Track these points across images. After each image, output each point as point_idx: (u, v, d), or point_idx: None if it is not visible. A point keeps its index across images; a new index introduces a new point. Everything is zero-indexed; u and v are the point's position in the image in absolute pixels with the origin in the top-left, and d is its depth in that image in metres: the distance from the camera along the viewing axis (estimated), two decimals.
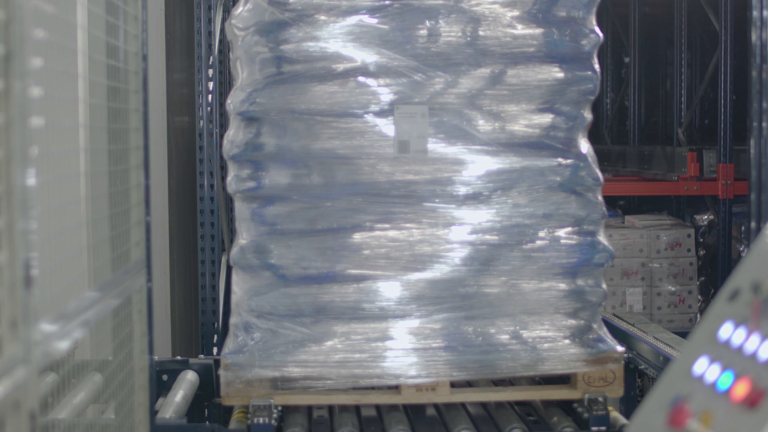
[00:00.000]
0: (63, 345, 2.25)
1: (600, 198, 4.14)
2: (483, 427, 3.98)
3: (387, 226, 3.95)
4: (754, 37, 4.15)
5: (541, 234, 4.01)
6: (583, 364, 4.00)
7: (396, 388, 3.98)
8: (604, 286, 4.13)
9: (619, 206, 11.23)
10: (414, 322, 3.96)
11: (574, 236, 4.05)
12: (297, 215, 3.98)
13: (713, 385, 1.90)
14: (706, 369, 1.94)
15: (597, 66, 4.11)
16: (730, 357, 1.91)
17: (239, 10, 4.07)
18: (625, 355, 6.05)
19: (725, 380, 1.88)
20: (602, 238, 4.11)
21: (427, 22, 3.95)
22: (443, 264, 3.96)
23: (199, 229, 6.44)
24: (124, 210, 3.10)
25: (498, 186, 3.97)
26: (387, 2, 3.96)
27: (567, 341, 4.00)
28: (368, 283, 3.96)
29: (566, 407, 4.14)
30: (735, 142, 8.72)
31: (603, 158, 11.32)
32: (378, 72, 3.94)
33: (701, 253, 9.83)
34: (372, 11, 3.96)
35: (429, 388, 3.96)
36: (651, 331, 6.33)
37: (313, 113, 3.96)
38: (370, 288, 3.96)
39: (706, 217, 10.11)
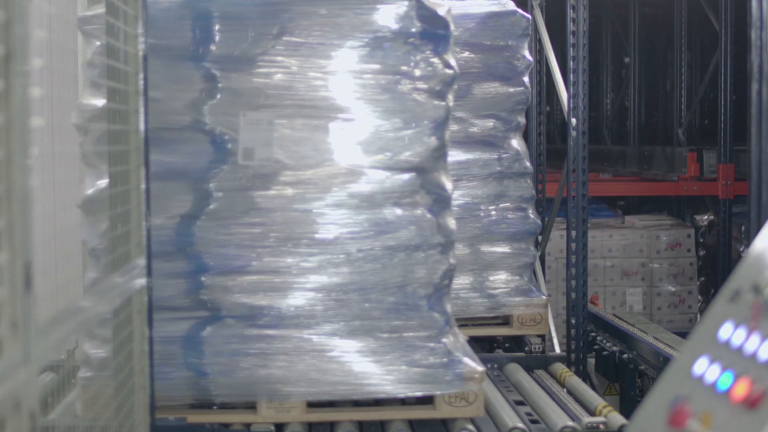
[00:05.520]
0: (63, 345, 2.25)
1: (530, 182, 5.65)
2: (484, 427, 3.99)
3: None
4: (754, 55, 4.15)
5: (487, 210, 5.44)
6: (519, 309, 5.42)
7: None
8: (533, 249, 5.64)
9: (619, 206, 11.22)
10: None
11: (512, 212, 5.52)
12: None
13: (713, 386, 1.90)
14: (706, 369, 1.94)
15: (528, 81, 5.56)
16: (730, 357, 1.91)
17: None
18: (625, 355, 6.10)
19: (725, 380, 1.88)
20: (531, 213, 5.61)
21: None
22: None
23: None
24: (125, 211, 3.10)
25: (453, 174, 4.73)
26: None
27: (510, 290, 5.42)
28: None
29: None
30: (735, 142, 8.70)
31: (603, 158, 11.31)
32: None
33: (701, 253, 9.82)
34: None
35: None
36: (651, 331, 6.34)
37: None
38: None
39: (706, 217, 10.11)
